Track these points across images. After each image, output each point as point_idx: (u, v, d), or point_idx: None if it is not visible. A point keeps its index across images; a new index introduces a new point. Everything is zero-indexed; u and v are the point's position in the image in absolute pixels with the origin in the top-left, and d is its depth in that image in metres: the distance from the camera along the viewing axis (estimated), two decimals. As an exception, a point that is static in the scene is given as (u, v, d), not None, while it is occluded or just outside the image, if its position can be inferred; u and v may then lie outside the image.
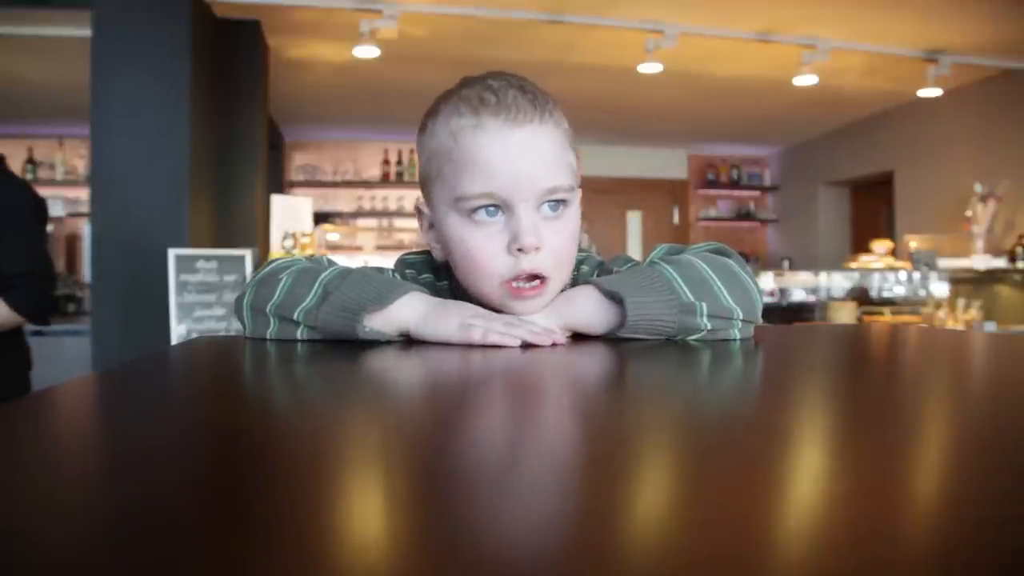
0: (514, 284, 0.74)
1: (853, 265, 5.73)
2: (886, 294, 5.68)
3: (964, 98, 5.15)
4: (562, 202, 0.76)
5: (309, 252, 4.01)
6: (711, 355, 0.65)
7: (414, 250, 0.93)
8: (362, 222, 7.26)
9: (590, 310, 0.74)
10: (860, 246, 6.40)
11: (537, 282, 0.75)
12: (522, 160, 0.73)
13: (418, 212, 0.84)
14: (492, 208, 0.74)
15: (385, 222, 7.30)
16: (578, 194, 0.79)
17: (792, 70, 4.38)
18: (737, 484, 0.26)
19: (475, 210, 0.74)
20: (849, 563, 0.18)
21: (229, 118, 3.88)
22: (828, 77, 4.61)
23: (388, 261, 0.95)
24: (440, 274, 0.88)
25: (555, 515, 0.23)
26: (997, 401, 0.46)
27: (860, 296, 5.19)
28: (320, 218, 6.30)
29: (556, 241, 0.75)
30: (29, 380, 2.07)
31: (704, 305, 0.72)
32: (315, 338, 0.73)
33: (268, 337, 0.75)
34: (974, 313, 4.49)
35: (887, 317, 5.03)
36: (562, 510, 0.24)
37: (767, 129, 6.79)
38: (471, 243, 0.75)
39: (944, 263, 5.03)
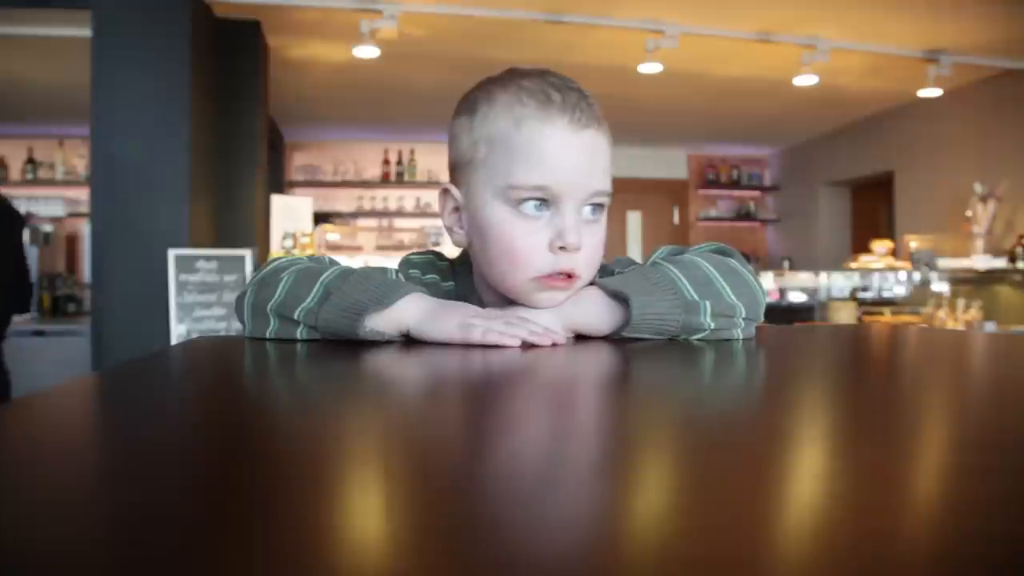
0: (547, 276, 0.75)
1: (853, 265, 5.74)
2: (886, 294, 5.69)
3: (964, 98, 5.15)
4: (600, 207, 0.77)
5: (309, 252, 4.02)
6: (713, 355, 0.65)
7: (418, 250, 0.93)
8: (362, 222, 7.26)
9: (595, 310, 0.74)
10: (860, 246, 6.41)
11: (569, 278, 0.75)
12: (582, 162, 0.74)
13: (443, 194, 0.83)
14: (539, 202, 0.74)
15: (385, 222, 7.30)
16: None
17: (792, 70, 4.38)
18: (739, 484, 0.26)
19: (523, 201, 0.74)
20: (849, 563, 0.18)
21: (229, 118, 3.88)
22: (828, 77, 4.61)
23: (387, 261, 0.95)
24: (446, 275, 0.87)
25: (556, 515, 0.23)
26: (997, 401, 0.46)
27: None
28: (320, 218, 6.30)
29: (592, 243, 0.76)
30: (8, 386, 2.05)
31: (708, 304, 0.72)
32: (315, 338, 0.73)
33: (268, 336, 0.75)
34: (974, 313, 4.49)
35: (887, 317, 5.04)
36: (563, 510, 0.24)
37: (767, 129, 6.79)
38: (514, 234, 0.75)
39: (944, 263, 5.03)
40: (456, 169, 0.81)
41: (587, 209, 0.76)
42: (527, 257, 0.74)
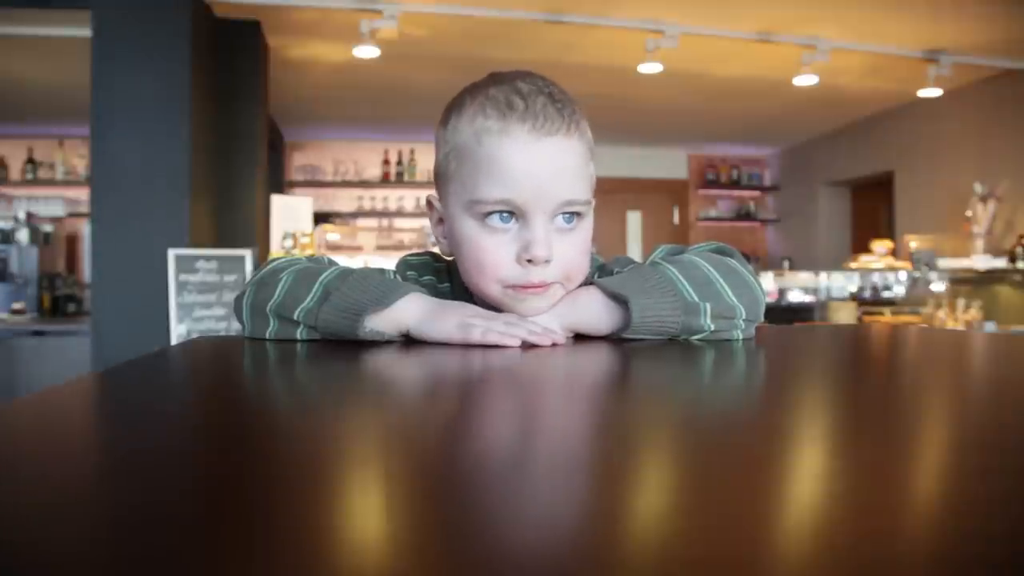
0: (519, 287, 0.74)
1: (853, 265, 5.74)
2: (886, 294, 5.69)
3: (964, 98, 5.14)
4: (577, 215, 0.75)
5: (309, 252, 4.02)
6: (713, 355, 0.65)
7: (416, 251, 0.93)
8: (362, 222, 7.25)
9: (594, 311, 0.74)
10: (860, 246, 6.40)
11: (542, 286, 0.74)
12: (544, 172, 0.72)
13: (429, 205, 0.83)
14: (506, 214, 0.73)
15: (385, 222, 7.29)
16: (592, 206, 0.78)
17: (792, 70, 4.38)
18: (739, 484, 0.26)
19: (489, 214, 0.73)
20: (849, 563, 0.18)
21: (229, 118, 3.88)
22: (828, 77, 4.61)
23: (388, 261, 0.95)
24: (442, 276, 0.87)
25: (556, 515, 0.23)
26: (997, 401, 0.46)
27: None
28: (320, 218, 6.30)
29: (567, 253, 0.74)
30: None
31: (708, 305, 0.72)
32: (314, 338, 0.73)
33: (268, 337, 0.75)
34: (974, 313, 4.49)
35: (887, 317, 5.04)
36: (563, 510, 0.24)
37: (767, 129, 6.79)
38: (482, 247, 0.74)
39: (944, 263, 5.03)
40: (436, 180, 0.81)
41: (560, 218, 0.74)
42: (496, 269, 0.74)
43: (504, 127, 0.71)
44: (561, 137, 0.72)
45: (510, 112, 0.71)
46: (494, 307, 0.77)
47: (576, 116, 0.74)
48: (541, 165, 0.71)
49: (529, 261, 0.72)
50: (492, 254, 0.74)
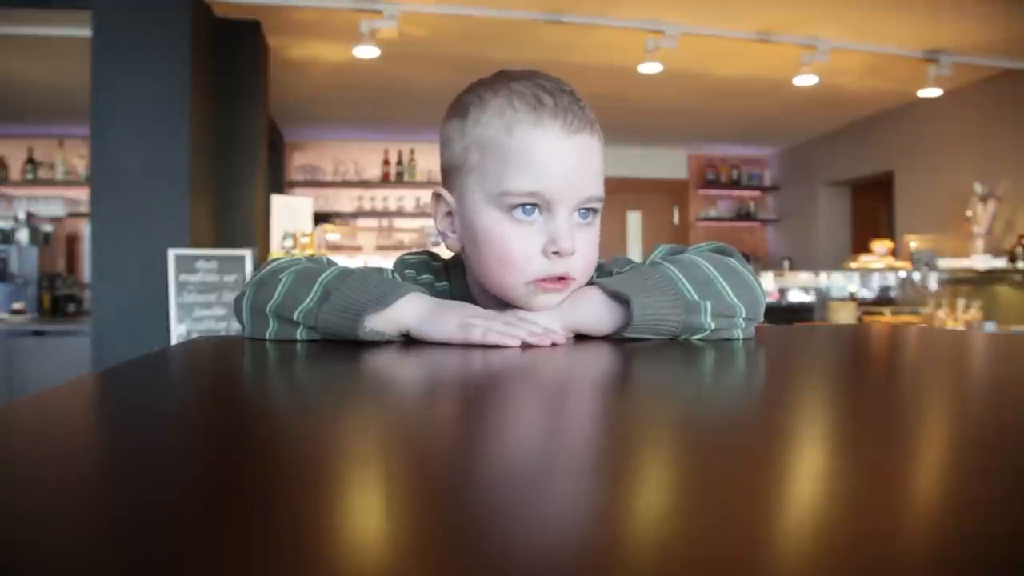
0: (542, 280, 0.75)
1: (853, 265, 5.74)
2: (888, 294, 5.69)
3: (964, 98, 5.14)
4: (593, 211, 0.77)
5: (309, 252, 4.02)
6: (713, 355, 0.65)
7: (413, 251, 0.93)
8: (362, 222, 7.25)
9: (596, 311, 0.74)
10: (860, 246, 6.40)
11: (564, 279, 0.75)
12: (573, 166, 0.73)
13: (435, 198, 0.82)
14: (530, 207, 0.74)
15: (385, 222, 7.29)
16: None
17: (792, 70, 4.38)
18: (739, 484, 0.26)
19: (516, 207, 0.74)
20: (849, 563, 0.18)
21: (229, 118, 3.88)
22: (828, 77, 4.61)
23: (388, 262, 0.94)
24: (440, 275, 0.88)
25: (556, 515, 0.23)
26: (997, 401, 0.46)
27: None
28: (320, 218, 6.30)
29: (586, 247, 0.76)
30: None
31: (708, 304, 0.72)
32: (314, 338, 0.73)
33: (268, 337, 0.75)
34: (974, 313, 4.49)
35: (887, 317, 5.04)
36: (563, 510, 0.24)
37: (767, 129, 6.78)
38: (509, 240, 0.74)
39: (944, 263, 5.03)
40: (448, 173, 0.80)
41: (578, 214, 0.76)
42: (521, 262, 0.74)
43: (537, 120, 0.73)
44: (586, 135, 0.74)
45: (541, 107, 0.73)
46: (498, 305, 0.77)
47: (593, 117, 0.77)
48: (571, 160, 0.73)
49: (555, 253, 0.73)
50: (518, 245, 0.74)
